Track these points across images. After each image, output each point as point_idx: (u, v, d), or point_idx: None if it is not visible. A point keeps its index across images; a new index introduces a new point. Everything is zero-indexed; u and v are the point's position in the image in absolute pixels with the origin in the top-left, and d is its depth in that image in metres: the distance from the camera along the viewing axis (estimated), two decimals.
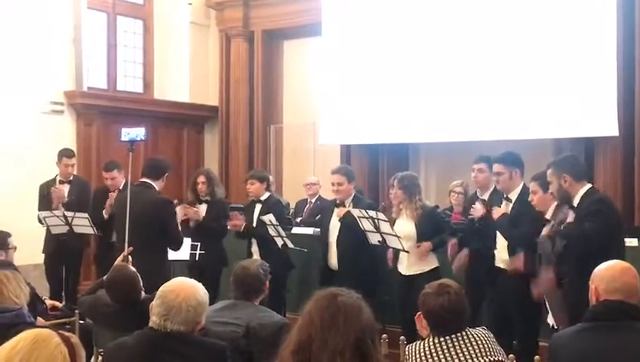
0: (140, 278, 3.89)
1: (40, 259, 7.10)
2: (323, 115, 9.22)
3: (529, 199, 4.82)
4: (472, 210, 5.46)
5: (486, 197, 5.55)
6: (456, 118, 8.12)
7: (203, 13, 10.51)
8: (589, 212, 4.18)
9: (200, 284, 2.97)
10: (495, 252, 5.17)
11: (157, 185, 5.47)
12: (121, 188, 6.61)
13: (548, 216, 4.60)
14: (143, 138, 5.55)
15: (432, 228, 5.73)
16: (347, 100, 8.96)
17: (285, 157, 10.31)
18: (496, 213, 5.07)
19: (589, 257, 3.69)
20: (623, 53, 7.35)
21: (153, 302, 2.86)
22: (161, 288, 2.88)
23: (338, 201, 6.06)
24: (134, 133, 5.50)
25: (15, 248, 5.10)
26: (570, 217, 4.32)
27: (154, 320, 2.82)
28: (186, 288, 2.86)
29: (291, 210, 8.55)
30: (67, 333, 2.18)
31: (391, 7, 8.61)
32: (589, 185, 4.36)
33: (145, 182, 5.46)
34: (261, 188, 6.59)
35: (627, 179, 7.55)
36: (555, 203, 4.54)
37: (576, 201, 4.30)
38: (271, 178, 8.83)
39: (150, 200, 5.36)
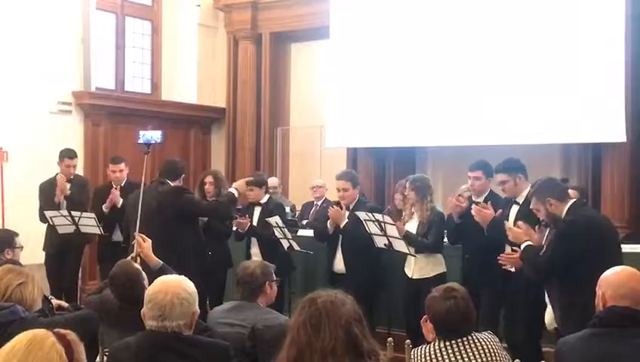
0: (144, 275, 3.86)
1: (43, 258, 7.10)
2: (330, 117, 9.21)
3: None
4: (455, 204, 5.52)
5: (481, 200, 5.53)
6: (464, 122, 8.11)
7: (211, 15, 10.52)
8: (554, 237, 4.24)
9: (183, 277, 2.97)
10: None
11: (173, 183, 5.64)
12: (122, 184, 6.96)
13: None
14: (159, 140, 5.57)
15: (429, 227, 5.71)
16: (354, 103, 8.95)
17: (292, 160, 10.31)
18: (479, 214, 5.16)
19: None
20: (631, 59, 7.33)
21: (143, 309, 2.84)
22: (146, 292, 2.87)
23: (343, 206, 6.04)
24: (150, 135, 5.53)
25: (22, 247, 5.10)
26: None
27: (151, 324, 2.80)
28: (172, 284, 2.85)
29: (297, 213, 8.56)
30: (63, 331, 2.19)
31: (399, 11, 8.60)
32: (572, 201, 4.36)
33: (161, 180, 5.64)
34: (261, 192, 6.60)
35: (635, 185, 7.54)
36: None
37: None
38: (277, 180, 8.89)
39: (162, 191, 5.51)
